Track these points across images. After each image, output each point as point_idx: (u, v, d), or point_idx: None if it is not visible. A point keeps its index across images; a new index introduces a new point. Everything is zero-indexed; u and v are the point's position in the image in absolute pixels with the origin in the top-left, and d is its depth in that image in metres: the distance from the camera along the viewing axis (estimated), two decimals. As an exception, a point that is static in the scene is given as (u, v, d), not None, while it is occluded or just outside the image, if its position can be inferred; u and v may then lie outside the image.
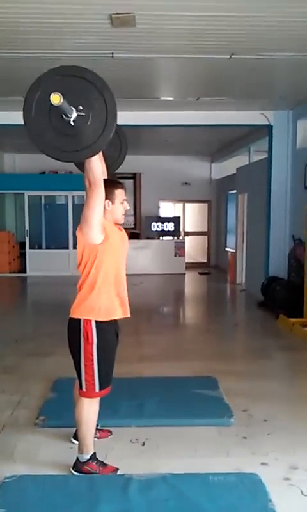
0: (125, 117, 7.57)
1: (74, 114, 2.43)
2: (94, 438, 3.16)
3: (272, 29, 4.33)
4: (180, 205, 14.08)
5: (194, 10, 3.92)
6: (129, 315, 2.95)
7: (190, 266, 12.80)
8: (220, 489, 2.71)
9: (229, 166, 11.94)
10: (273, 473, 2.91)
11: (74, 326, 2.82)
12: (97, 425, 3.15)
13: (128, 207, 3.02)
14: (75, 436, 3.21)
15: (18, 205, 12.64)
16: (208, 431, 3.47)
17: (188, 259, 12.71)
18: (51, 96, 2.27)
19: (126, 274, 2.99)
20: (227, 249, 12.05)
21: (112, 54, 4.91)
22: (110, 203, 2.88)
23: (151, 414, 3.65)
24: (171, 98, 6.97)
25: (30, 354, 5.31)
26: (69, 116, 2.43)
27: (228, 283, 10.76)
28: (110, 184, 2.88)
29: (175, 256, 12.19)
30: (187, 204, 14.07)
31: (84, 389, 2.85)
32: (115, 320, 2.93)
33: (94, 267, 2.78)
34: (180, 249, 12.24)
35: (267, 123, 7.90)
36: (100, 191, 2.67)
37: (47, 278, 11.40)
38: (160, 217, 13.00)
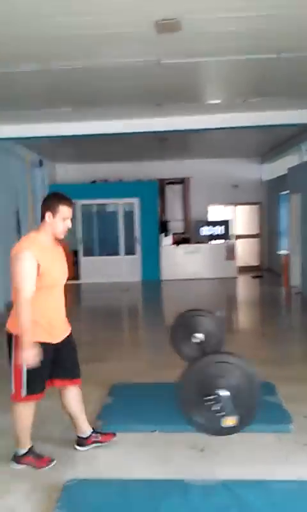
0: (172, 123, 7.68)
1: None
2: (97, 442, 3.30)
3: (320, 24, 4.22)
4: (231, 208, 13.93)
5: (239, 11, 3.88)
6: (56, 342, 3.07)
7: (243, 270, 12.62)
8: (282, 497, 2.65)
9: (280, 167, 11.71)
10: None
11: (8, 337, 2.99)
12: (101, 430, 3.36)
13: (70, 226, 3.02)
14: (78, 443, 3.31)
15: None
16: (266, 437, 3.40)
17: (240, 262, 12.55)
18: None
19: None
20: (280, 251, 11.80)
21: (159, 60, 4.94)
22: (51, 216, 2.92)
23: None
24: (219, 101, 6.92)
25: (86, 360, 5.32)
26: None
27: (282, 286, 10.52)
28: (56, 199, 2.93)
29: (226, 259, 12.08)
30: (237, 207, 13.92)
31: (12, 392, 2.98)
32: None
33: None
34: (231, 252, 12.11)
35: (318, 120, 7.69)
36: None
37: (99, 284, 11.57)
38: (209, 221, 12.90)
